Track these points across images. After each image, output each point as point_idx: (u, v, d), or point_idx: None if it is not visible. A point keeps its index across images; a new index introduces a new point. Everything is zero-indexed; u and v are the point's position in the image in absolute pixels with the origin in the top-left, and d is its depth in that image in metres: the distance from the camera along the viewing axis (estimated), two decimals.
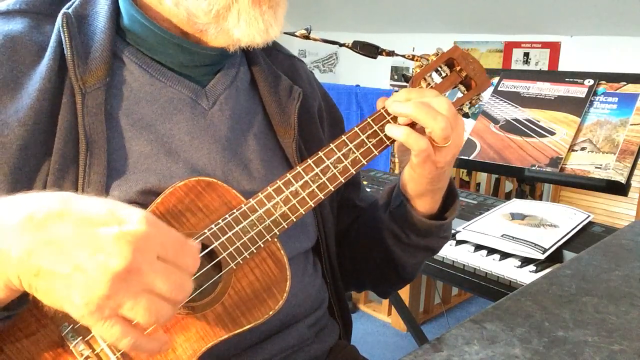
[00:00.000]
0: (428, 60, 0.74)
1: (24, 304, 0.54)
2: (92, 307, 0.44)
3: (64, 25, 0.64)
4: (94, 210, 0.47)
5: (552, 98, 1.62)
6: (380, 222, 0.82)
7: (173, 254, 0.47)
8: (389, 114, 0.69)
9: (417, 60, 0.75)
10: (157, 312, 0.46)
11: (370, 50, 0.81)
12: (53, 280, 0.45)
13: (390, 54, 0.81)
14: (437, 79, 0.73)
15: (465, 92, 0.75)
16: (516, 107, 1.66)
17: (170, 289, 0.47)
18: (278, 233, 0.65)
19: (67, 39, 0.64)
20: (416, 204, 0.77)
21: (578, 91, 1.59)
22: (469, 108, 0.76)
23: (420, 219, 0.77)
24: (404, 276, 0.88)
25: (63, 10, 0.67)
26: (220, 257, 0.62)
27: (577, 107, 1.55)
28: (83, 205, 0.47)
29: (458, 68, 0.74)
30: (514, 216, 1.38)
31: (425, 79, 0.73)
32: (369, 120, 0.69)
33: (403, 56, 0.79)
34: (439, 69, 0.74)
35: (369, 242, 0.85)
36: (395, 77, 4.97)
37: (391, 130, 0.68)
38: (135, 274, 0.45)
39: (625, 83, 1.54)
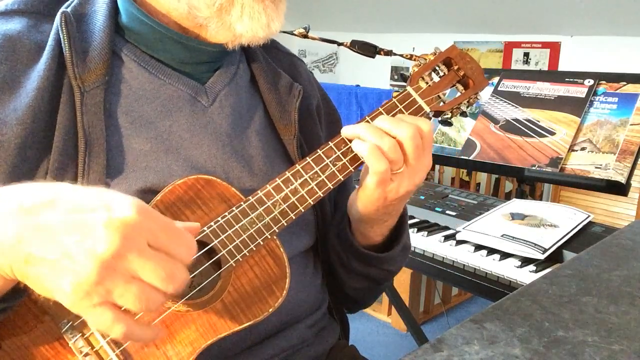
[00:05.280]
0: (426, 59, 0.74)
1: (20, 296, 0.54)
2: (80, 294, 0.44)
3: (63, 24, 0.64)
4: (85, 198, 0.46)
5: (552, 98, 1.62)
6: (329, 239, 0.81)
7: (165, 242, 0.46)
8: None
9: (415, 60, 0.75)
10: (147, 300, 0.45)
11: (368, 50, 0.81)
12: (42, 266, 0.44)
13: (389, 53, 0.81)
14: (435, 78, 0.73)
15: (463, 91, 0.75)
16: (516, 107, 1.66)
17: (160, 276, 0.45)
18: (277, 231, 0.65)
19: (65, 38, 0.64)
20: (360, 227, 0.75)
21: (578, 91, 1.59)
22: (467, 107, 0.76)
23: (357, 246, 0.76)
24: (354, 298, 0.87)
25: (62, 9, 0.67)
26: (220, 254, 0.62)
27: (577, 107, 1.55)
28: (74, 193, 0.47)
29: (456, 67, 0.74)
30: (514, 216, 1.38)
31: (423, 78, 0.73)
32: (367, 118, 0.69)
33: (401, 55, 0.79)
34: (437, 68, 0.74)
35: (324, 255, 0.83)
36: (396, 77, 4.97)
37: (357, 145, 0.67)
38: (122, 260, 0.44)
39: (625, 83, 1.54)
